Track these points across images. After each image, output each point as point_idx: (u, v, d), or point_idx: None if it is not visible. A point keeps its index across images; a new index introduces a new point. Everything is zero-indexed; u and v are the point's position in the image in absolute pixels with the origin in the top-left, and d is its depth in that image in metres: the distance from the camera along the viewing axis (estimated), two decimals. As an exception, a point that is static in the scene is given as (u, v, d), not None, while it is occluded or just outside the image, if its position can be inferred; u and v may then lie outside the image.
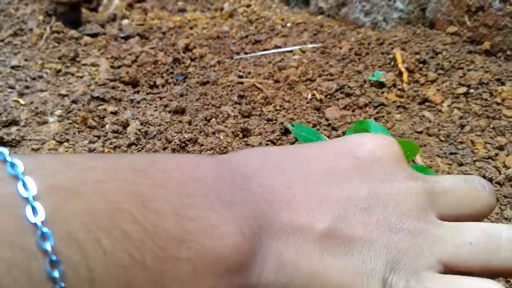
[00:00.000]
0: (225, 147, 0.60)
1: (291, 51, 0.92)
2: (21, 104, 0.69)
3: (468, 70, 0.74)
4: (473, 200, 0.33)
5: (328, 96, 0.73)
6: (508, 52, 0.77)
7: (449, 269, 0.29)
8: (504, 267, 0.29)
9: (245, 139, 0.65)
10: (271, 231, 0.27)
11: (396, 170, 0.31)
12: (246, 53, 0.93)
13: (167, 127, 0.64)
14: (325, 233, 0.27)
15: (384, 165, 0.31)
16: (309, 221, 0.28)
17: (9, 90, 0.73)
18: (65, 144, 0.61)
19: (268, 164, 0.30)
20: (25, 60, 0.82)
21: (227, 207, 0.26)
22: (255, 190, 0.28)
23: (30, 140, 0.61)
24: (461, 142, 0.62)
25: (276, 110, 0.71)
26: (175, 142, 0.60)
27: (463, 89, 0.70)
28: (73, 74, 0.79)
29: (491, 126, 0.64)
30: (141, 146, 0.60)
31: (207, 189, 0.26)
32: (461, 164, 0.58)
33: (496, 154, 0.59)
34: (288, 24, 1.05)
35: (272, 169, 0.30)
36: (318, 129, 0.65)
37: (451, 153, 0.60)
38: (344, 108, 0.70)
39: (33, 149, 0.60)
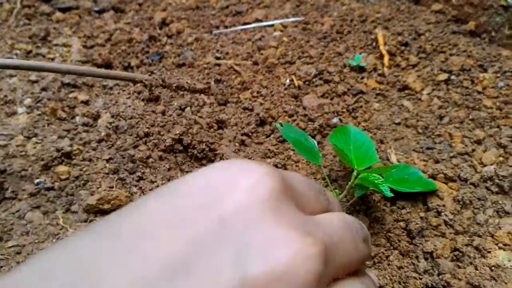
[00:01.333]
0: (199, 141, 0.59)
1: (272, 25, 0.89)
2: (-11, 92, 0.67)
3: (451, 55, 0.72)
4: (355, 256, 0.28)
5: (307, 82, 0.71)
6: (493, 34, 0.74)
7: None
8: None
9: (220, 131, 0.63)
10: None
11: (277, 229, 0.23)
12: (226, 27, 0.89)
13: (139, 121, 0.62)
14: None
15: (260, 223, 0.23)
16: None
17: (-24, 76, 0.70)
18: (33, 139, 0.59)
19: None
20: (-6, 39, 0.79)
21: None
22: None
23: (-2, 135, 0.60)
24: (439, 135, 0.61)
25: (254, 96, 0.69)
26: (143, 135, 0.59)
27: (444, 76, 0.68)
28: (44, 56, 0.76)
29: (470, 117, 0.63)
30: (111, 143, 0.59)
31: None
32: (437, 161, 0.57)
33: (473, 150, 0.58)
34: (270, -6, 1.01)
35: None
36: (295, 120, 0.64)
37: (427, 148, 0.59)
38: (322, 96, 0.68)
39: (0, 145, 0.58)
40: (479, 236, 0.49)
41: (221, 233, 0.23)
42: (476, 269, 0.46)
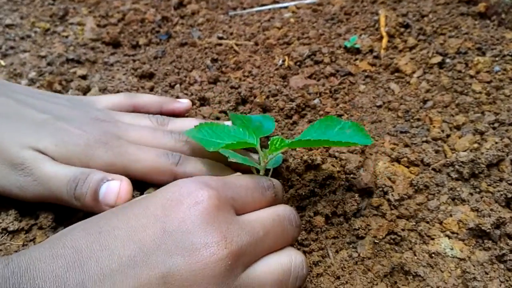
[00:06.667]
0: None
1: (286, 7, 0.89)
2: (2, 66, 0.73)
3: (450, 37, 0.69)
4: (285, 237, 0.40)
5: (298, 63, 0.71)
6: (503, 16, 0.70)
7: None
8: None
9: (201, 108, 0.65)
10: None
11: (203, 237, 0.34)
12: (244, 9, 0.91)
13: (123, 95, 0.65)
14: None
15: (193, 233, 0.34)
16: None
17: (-5, 50, 0.76)
18: (26, 110, 0.64)
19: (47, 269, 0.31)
20: (21, 18, 0.85)
21: None
22: None
23: (-4, 104, 0.65)
24: (418, 119, 0.59)
25: (244, 76, 0.70)
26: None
27: (438, 59, 0.66)
28: (59, 34, 0.81)
29: (456, 102, 0.60)
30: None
31: None
32: (406, 145, 0.56)
33: (448, 136, 0.56)
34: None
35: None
36: (277, 100, 0.64)
37: (401, 132, 0.58)
38: (310, 76, 0.68)
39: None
40: (427, 222, 0.47)
41: (163, 239, 0.33)
42: (415, 255, 0.45)
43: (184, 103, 0.60)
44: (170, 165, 0.48)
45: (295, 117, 0.62)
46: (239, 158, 0.45)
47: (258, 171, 0.47)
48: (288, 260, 0.38)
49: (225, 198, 0.38)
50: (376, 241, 0.46)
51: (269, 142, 0.45)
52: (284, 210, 0.41)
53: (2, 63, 0.73)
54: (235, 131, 0.48)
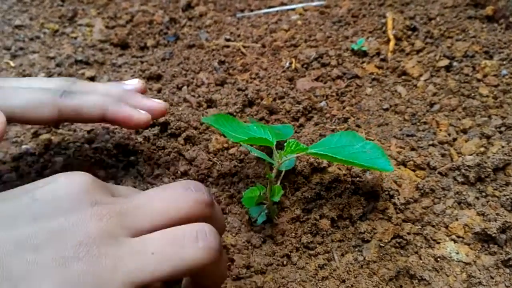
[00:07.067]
0: (178, 120, 0.61)
1: (293, 9, 0.89)
2: (11, 66, 0.74)
3: (457, 40, 0.69)
4: (179, 202, 0.34)
5: (305, 65, 0.71)
6: (511, 19, 0.70)
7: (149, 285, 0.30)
8: (190, 265, 0.31)
9: (208, 109, 0.65)
10: None
11: (76, 203, 0.31)
12: (251, 11, 0.91)
13: (129, 97, 0.65)
14: None
15: (63, 201, 0.31)
16: None
17: (4, 51, 0.77)
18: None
19: None
20: (30, 19, 0.86)
21: None
22: None
23: (6, 105, 0.65)
24: (425, 123, 0.59)
25: (251, 78, 0.70)
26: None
27: (445, 62, 0.66)
28: (68, 35, 0.82)
29: (463, 106, 0.60)
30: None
31: None
32: (413, 149, 0.56)
33: (455, 139, 0.56)
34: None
35: None
36: (284, 102, 0.64)
37: (408, 135, 0.58)
38: (317, 79, 0.68)
39: (5, 115, 0.64)
40: (432, 226, 0.47)
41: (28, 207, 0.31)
42: (420, 258, 0.45)
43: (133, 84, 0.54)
44: (52, 97, 0.45)
45: (301, 120, 0.62)
46: (258, 153, 0.46)
47: (272, 170, 0.47)
48: (180, 229, 0.32)
49: (96, 180, 0.34)
50: (381, 244, 0.46)
51: (285, 144, 0.45)
52: (180, 182, 0.36)
53: (12, 64, 0.74)
54: (249, 128, 0.48)
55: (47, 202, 0.31)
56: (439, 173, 0.52)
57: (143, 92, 0.53)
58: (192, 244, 0.31)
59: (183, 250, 0.30)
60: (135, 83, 0.53)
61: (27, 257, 0.28)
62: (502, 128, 0.56)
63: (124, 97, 0.50)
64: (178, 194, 0.34)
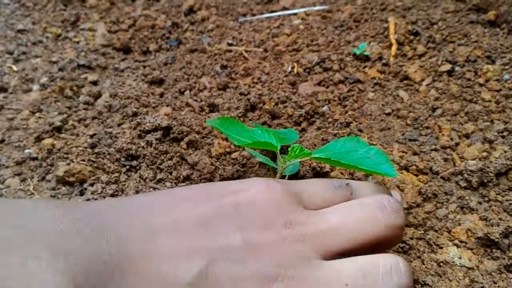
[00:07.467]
0: (180, 124, 0.61)
1: (296, 14, 0.89)
2: (14, 71, 0.74)
3: (459, 45, 0.69)
4: (371, 225, 0.34)
5: (307, 70, 0.71)
6: (513, 24, 0.70)
7: None
8: None
9: (210, 114, 0.65)
10: (122, 284, 0.27)
11: (274, 218, 0.32)
12: (253, 15, 0.91)
13: (131, 101, 0.65)
14: (190, 285, 0.28)
15: (263, 213, 0.32)
16: (172, 272, 0.28)
17: (7, 56, 0.77)
18: (37, 114, 0.64)
19: (132, 212, 0.30)
20: (32, 23, 0.86)
21: (59, 256, 0.25)
22: (110, 241, 0.28)
23: (8, 109, 0.66)
24: (427, 127, 0.59)
25: (254, 83, 0.70)
26: (131, 114, 0.62)
27: (447, 67, 0.66)
28: (70, 39, 0.82)
29: (465, 110, 0.60)
30: (101, 121, 0.63)
31: (30, 236, 0.25)
32: (415, 153, 0.56)
33: (457, 144, 0.56)
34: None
35: (135, 218, 0.30)
36: (286, 107, 0.64)
37: (410, 140, 0.58)
38: (319, 83, 0.68)
39: (8, 118, 0.64)
40: (435, 231, 0.47)
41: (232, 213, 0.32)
42: (423, 263, 0.45)
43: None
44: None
45: (303, 124, 0.62)
46: (262, 158, 0.46)
47: (275, 174, 0.47)
48: (375, 261, 0.32)
49: (289, 191, 0.35)
50: (384, 249, 0.46)
51: (289, 149, 0.45)
52: (373, 200, 0.36)
53: (14, 68, 0.74)
54: (253, 132, 0.48)
55: (248, 211, 0.32)
56: (442, 178, 0.52)
57: None
58: (386, 280, 0.31)
59: (375, 286, 0.31)
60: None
61: (233, 269, 0.29)
62: (505, 133, 0.56)
63: None
64: (374, 215, 0.34)
